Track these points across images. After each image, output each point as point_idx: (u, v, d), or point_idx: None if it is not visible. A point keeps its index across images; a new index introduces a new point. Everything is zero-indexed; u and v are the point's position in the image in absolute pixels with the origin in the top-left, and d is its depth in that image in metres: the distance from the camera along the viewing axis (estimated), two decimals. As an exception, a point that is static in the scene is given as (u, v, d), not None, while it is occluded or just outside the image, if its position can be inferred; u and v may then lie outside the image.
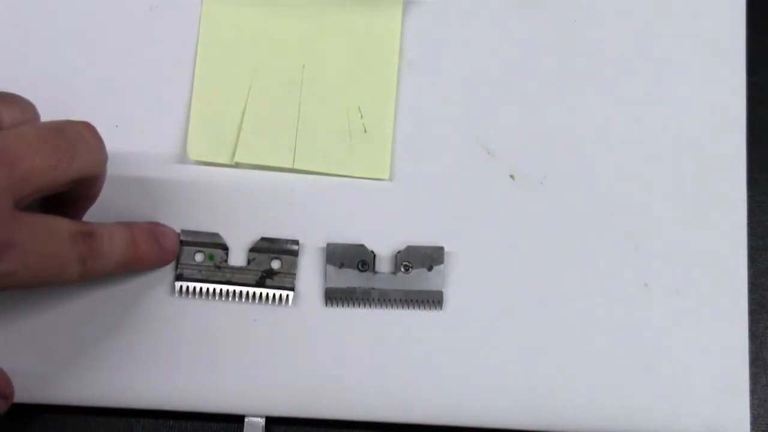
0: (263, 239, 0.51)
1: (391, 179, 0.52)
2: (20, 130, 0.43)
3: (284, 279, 0.50)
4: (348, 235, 0.51)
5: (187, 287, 0.50)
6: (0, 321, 0.50)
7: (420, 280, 0.50)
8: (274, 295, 0.50)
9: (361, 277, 0.50)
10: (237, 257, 0.51)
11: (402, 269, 0.51)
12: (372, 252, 0.51)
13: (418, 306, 0.50)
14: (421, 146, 0.52)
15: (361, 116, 0.52)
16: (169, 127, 0.52)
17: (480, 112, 0.53)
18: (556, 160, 0.52)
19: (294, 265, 0.51)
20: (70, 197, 0.46)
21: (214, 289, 0.50)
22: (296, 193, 0.52)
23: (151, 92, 0.52)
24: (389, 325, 0.50)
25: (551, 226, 0.51)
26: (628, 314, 0.51)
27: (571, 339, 0.50)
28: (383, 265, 0.51)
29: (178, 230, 0.51)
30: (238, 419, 0.50)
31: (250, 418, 0.50)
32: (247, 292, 0.50)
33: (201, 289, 0.50)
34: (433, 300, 0.50)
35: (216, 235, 0.51)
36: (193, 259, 0.50)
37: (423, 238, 0.51)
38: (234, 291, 0.50)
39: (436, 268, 0.51)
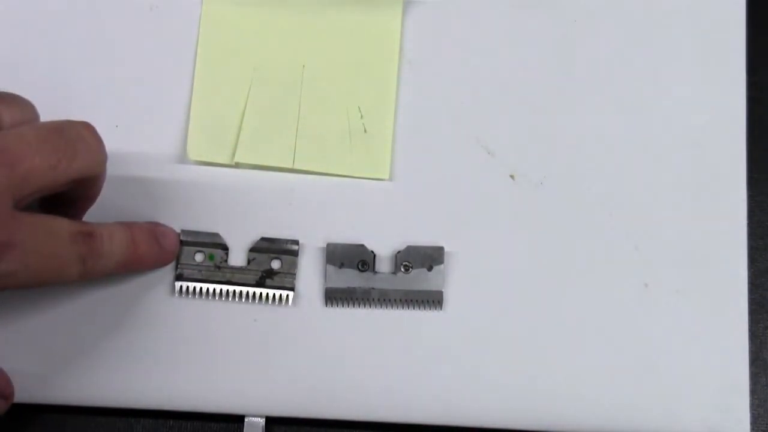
0: (263, 239, 0.51)
1: (391, 179, 0.52)
2: (20, 130, 0.43)
3: (284, 279, 0.50)
4: (348, 235, 0.51)
5: (187, 287, 0.50)
6: (0, 321, 0.50)
7: (420, 280, 0.50)
8: (274, 295, 0.50)
9: (361, 277, 0.50)
10: (237, 257, 0.51)
11: (402, 269, 0.51)
12: (372, 252, 0.51)
13: (418, 306, 0.50)
14: (421, 146, 0.52)
15: (361, 116, 0.52)
16: (169, 127, 0.52)
17: (480, 112, 0.53)
18: (556, 160, 0.52)
19: (294, 265, 0.51)
20: (69, 197, 0.46)
21: (214, 289, 0.50)
22: (296, 193, 0.52)
23: (151, 92, 0.52)
24: (389, 325, 0.50)
25: (551, 226, 0.52)
26: (628, 314, 0.51)
27: (571, 339, 0.50)
28: (383, 265, 0.51)
29: (178, 230, 0.51)
30: (238, 419, 0.50)
31: (250, 418, 0.50)
32: (247, 292, 0.50)
33: (201, 289, 0.50)
34: (433, 300, 0.50)
35: (216, 235, 0.51)
36: (193, 259, 0.50)
37: (423, 238, 0.51)
38: (234, 291, 0.50)
39: (436, 268, 0.51)
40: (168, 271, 0.50)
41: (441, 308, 0.51)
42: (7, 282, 0.42)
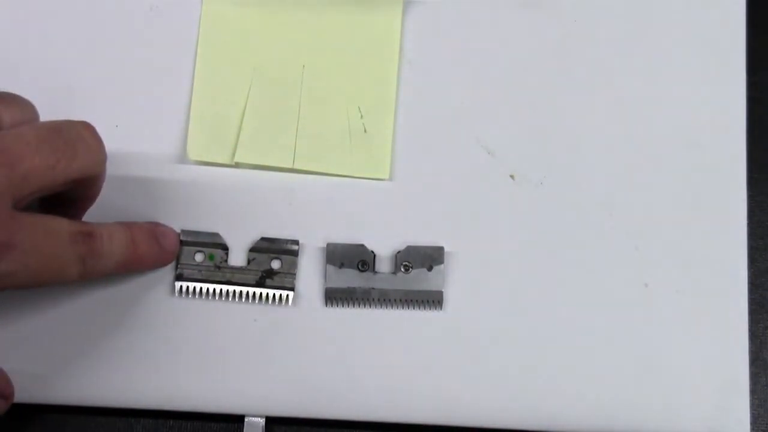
0: (263, 239, 0.51)
1: (391, 179, 0.52)
2: (20, 130, 0.43)
3: (284, 279, 0.50)
4: (348, 235, 0.51)
5: (187, 287, 0.50)
6: (0, 321, 0.50)
7: (420, 280, 0.50)
8: (274, 295, 0.50)
9: (361, 277, 0.50)
10: (237, 257, 0.51)
11: (402, 269, 0.51)
12: (372, 252, 0.51)
13: (418, 306, 0.50)
14: (421, 146, 0.52)
15: (361, 116, 0.52)
16: (169, 127, 0.52)
17: (480, 112, 0.53)
18: (556, 160, 0.52)
19: (294, 265, 0.51)
20: (69, 197, 0.46)
21: (214, 289, 0.50)
22: (296, 193, 0.52)
23: (151, 92, 0.52)
24: (389, 325, 0.50)
25: (551, 226, 0.52)
26: (628, 314, 0.51)
27: (571, 339, 0.50)
28: (383, 265, 0.51)
29: (178, 230, 0.51)
30: (238, 419, 0.50)
31: (250, 418, 0.50)
32: (247, 292, 0.50)
33: (201, 289, 0.50)
34: (433, 300, 0.50)
35: (216, 235, 0.51)
36: (193, 259, 0.50)
37: (423, 238, 0.51)
38: (234, 291, 0.50)
39: (436, 268, 0.51)
40: (168, 271, 0.50)
41: (441, 308, 0.51)
42: (6, 282, 0.42)
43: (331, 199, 0.52)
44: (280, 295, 0.50)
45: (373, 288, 0.50)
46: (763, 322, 0.52)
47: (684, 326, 0.51)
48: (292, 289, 0.50)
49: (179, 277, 0.50)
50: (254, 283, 0.50)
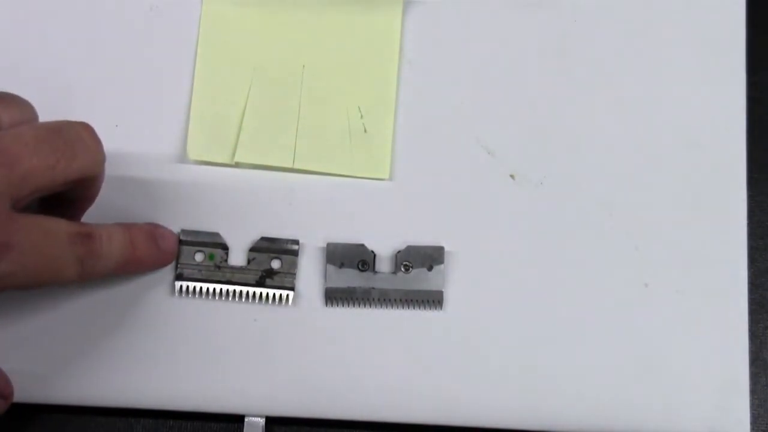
0: (263, 239, 0.51)
1: (391, 179, 0.52)
2: (18, 130, 0.43)
3: (284, 279, 0.50)
4: (348, 235, 0.51)
5: (187, 287, 0.50)
6: (0, 321, 0.50)
7: (420, 280, 0.50)
8: (274, 294, 0.50)
9: (361, 277, 0.50)
10: (237, 257, 0.51)
11: (402, 269, 0.51)
12: (372, 252, 0.51)
13: (418, 306, 0.50)
14: (421, 146, 0.52)
15: (361, 116, 0.52)
16: (169, 127, 0.52)
17: (480, 112, 0.53)
18: (556, 160, 0.52)
19: (294, 265, 0.51)
20: (68, 198, 0.46)
21: (214, 289, 0.50)
22: (296, 193, 0.52)
23: (151, 92, 0.52)
24: (389, 325, 0.50)
25: (551, 226, 0.52)
26: (628, 314, 0.51)
27: (571, 339, 0.50)
28: (383, 265, 0.51)
29: (178, 230, 0.50)
30: (238, 419, 0.50)
31: (250, 418, 0.50)
32: (247, 292, 0.50)
33: (201, 289, 0.50)
34: (433, 300, 0.50)
35: (216, 234, 0.51)
36: (193, 258, 0.50)
37: (423, 238, 0.51)
38: (234, 291, 0.50)
39: (436, 268, 0.51)
40: (168, 271, 0.50)
41: (441, 308, 0.51)
42: (4, 283, 0.42)
43: (331, 199, 0.52)
44: (280, 294, 0.50)
45: (373, 288, 0.50)
46: (763, 322, 0.52)
47: (684, 326, 0.51)
48: (292, 288, 0.50)
49: (179, 277, 0.50)
50: (254, 282, 0.50)
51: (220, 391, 0.50)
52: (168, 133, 0.52)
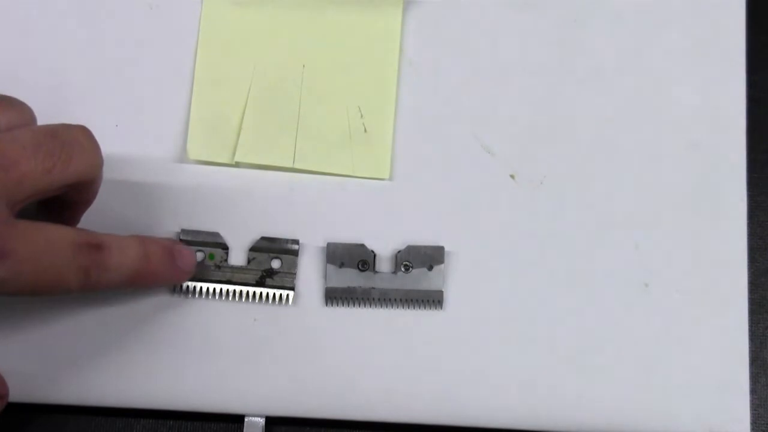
0: (263, 239, 0.51)
1: (391, 179, 0.52)
2: (15, 133, 0.42)
3: (284, 279, 0.50)
4: (348, 234, 0.51)
5: (187, 287, 0.50)
6: (1, 321, 0.49)
7: (420, 279, 0.50)
8: (274, 294, 0.50)
9: (361, 277, 0.50)
10: (237, 257, 0.51)
11: (402, 269, 0.51)
12: (372, 252, 0.51)
13: (418, 306, 0.50)
14: (421, 146, 0.52)
15: (361, 116, 0.52)
16: (169, 127, 0.52)
17: (480, 112, 0.53)
18: (556, 160, 0.52)
19: (294, 265, 0.51)
20: (65, 201, 0.45)
21: (214, 289, 0.50)
22: (296, 193, 0.52)
23: (151, 92, 0.52)
24: (389, 325, 0.50)
25: (551, 226, 0.52)
26: (628, 314, 0.51)
27: (571, 339, 0.50)
28: (383, 265, 0.51)
29: (178, 230, 0.50)
30: (238, 419, 0.50)
31: (250, 418, 0.50)
32: (247, 292, 0.50)
33: (201, 288, 0.50)
34: (433, 300, 0.50)
35: (216, 234, 0.51)
36: (193, 258, 0.50)
37: (423, 237, 0.51)
38: (234, 291, 0.50)
39: (436, 268, 0.51)
40: (168, 270, 0.50)
41: (441, 308, 0.51)
42: None
43: (331, 199, 0.52)
44: (280, 294, 0.50)
45: (373, 288, 0.50)
46: (763, 322, 0.52)
47: (684, 326, 0.51)
48: (292, 288, 0.50)
49: (179, 277, 0.50)
50: (254, 282, 0.50)
51: (220, 391, 0.50)
52: (168, 133, 0.52)
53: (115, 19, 0.53)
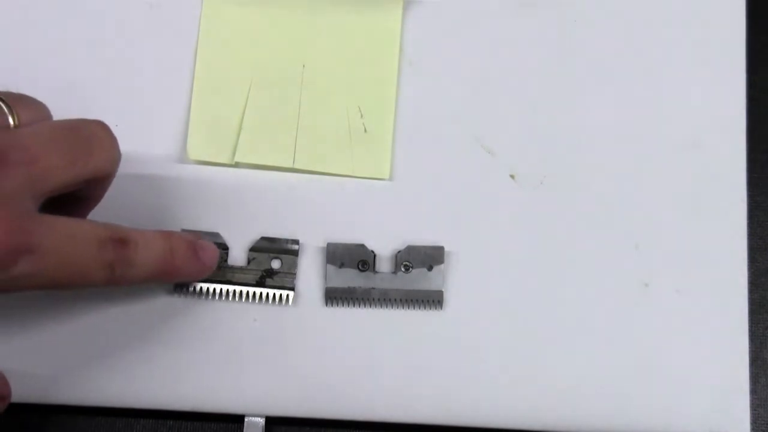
0: (263, 239, 0.51)
1: (391, 179, 0.52)
2: (36, 128, 0.42)
3: (284, 279, 0.50)
4: (348, 235, 0.51)
5: (187, 287, 0.50)
6: (0, 321, 0.49)
7: (420, 279, 0.50)
8: (274, 294, 0.50)
9: (361, 277, 0.50)
10: (237, 257, 0.51)
11: (402, 269, 0.51)
12: (372, 252, 0.51)
13: (418, 306, 0.50)
14: (421, 146, 0.52)
15: (361, 116, 0.52)
16: (169, 127, 0.52)
17: (480, 112, 0.53)
18: (556, 160, 0.52)
19: (294, 265, 0.51)
20: (76, 197, 0.45)
21: (214, 289, 0.50)
22: (296, 193, 0.52)
23: (151, 92, 0.52)
24: (389, 325, 0.50)
25: (551, 226, 0.52)
26: (628, 314, 0.51)
27: (571, 339, 0.50)
28: (383, 265, 0.51)
29: (178, 230, 0.50)
30: (238, 419, 0.50)
31: (250, 418, 0.50)
32: (247, 292, 0.50)
33: (201, 289, 0.50)
34: (433, 300, 0.50)
35: (216, 234, 0.51)
36: (193, 258, 0.50)
37: (423, 238, 0.51)
38: (234, 291, 0.50)
39: (436, 268, 0.51)
40: (168, 271, 0.50)
41: (441, 308, 0.51)
42: (23, 284, 0.40)
43: (331, 199, 0.52)
44: (280, 294, 0.50)
45: (373, 288, 0.50)
46: (763, 322, 0.52)
47: (684, 326, 0.51)
48: (292, 288, 0.50)
49: (179, 277, 0.50)
50: (254, 282, 0.50)
51: (220, 391, 0.50)
52: (168, 133, 0.52)
53: (115, 19, 0.53)
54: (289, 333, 0.50)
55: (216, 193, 0.51)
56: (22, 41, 0.53)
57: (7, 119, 0.42)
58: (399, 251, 0.51)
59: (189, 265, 0.47)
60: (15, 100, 0.43)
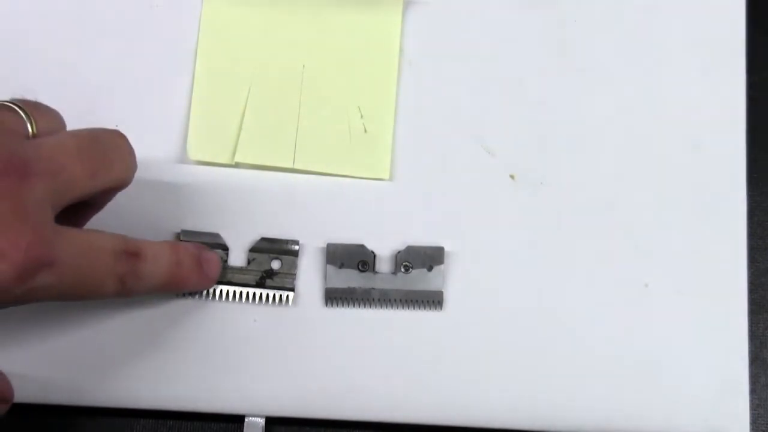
0: (263, 239, 0.51)
1: (391, 179, 0.52)
2: (59, 138, 0.42)
3: (284, 279, 0.50)
4: (348, 235, 0.51)
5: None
6: (0, 322, 0.50)
7: (420, 280, 0.50)
8: (274, 295, 0.50)
9: (361, 277, 0.50)
10: (237, 257, 0.51)
11: (402, 269, 0.51)
12: (372, 252, 0.51)
13: (418, 306, 0.50)
14: (421, 146, 0.52)
15: (361, 116, 0.52)
16: (169, 127, 0.52)
17: (480, 112, 0.53)
18: (556, 160, 0.52)
19: (294, 265, 0.51)
20: (83, 204, 0.45)
21: (214, 289, 0.50)
22: (296, 193, 0.52)
23: (151, 92, 0.52)
24: (389, 325, 0.50)
25: (551, 226, 0.51)
26: (628, 314, 0.51)
27: (571, 339, 0.50)
28: (383, 265, 0.51)
29: (178, 230, 0.50)
30: (238, 419, 0.50)
31: (250, 418, 0.50)
32: (247, 293, 0.50)
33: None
34: (433, 300, 0.50)
35: (216, 235, 0.51)
36: (193, 259, 0.50)
37: (423, 238, 0.51)
38: (234, 291, 0.50)
39: (436, 268, 0.51)
40: (168, 271, 0.50)
41: (441, 308, 0.51)
42: (41, 295, 0.40)
43: (331, 199, 0.52)
44: (280, 295, 0.50)
45: (373, 288, 0.50)
46: (763, 322, 0.52)
47: (684, 326, 0.51)
48: (292, 289, 0.50)
49: (179, 277, 0.50)
50: (254, 283, 0.50)
51: (220, 391, 0.50)
52: (168, 133, 0.52)
53: (115, 19, 0.53)
54: (289, 333, 0.50)
55: (216, 193, 0.51)
56: (22, 41, 0.53)
57: (27, 127, 0.42)
58: (399, 251, 0.51)
59: (193, 278, 0.48)
60: (32, 108, 0.43)
